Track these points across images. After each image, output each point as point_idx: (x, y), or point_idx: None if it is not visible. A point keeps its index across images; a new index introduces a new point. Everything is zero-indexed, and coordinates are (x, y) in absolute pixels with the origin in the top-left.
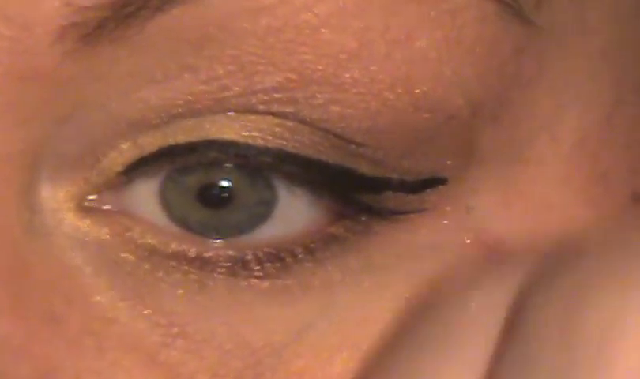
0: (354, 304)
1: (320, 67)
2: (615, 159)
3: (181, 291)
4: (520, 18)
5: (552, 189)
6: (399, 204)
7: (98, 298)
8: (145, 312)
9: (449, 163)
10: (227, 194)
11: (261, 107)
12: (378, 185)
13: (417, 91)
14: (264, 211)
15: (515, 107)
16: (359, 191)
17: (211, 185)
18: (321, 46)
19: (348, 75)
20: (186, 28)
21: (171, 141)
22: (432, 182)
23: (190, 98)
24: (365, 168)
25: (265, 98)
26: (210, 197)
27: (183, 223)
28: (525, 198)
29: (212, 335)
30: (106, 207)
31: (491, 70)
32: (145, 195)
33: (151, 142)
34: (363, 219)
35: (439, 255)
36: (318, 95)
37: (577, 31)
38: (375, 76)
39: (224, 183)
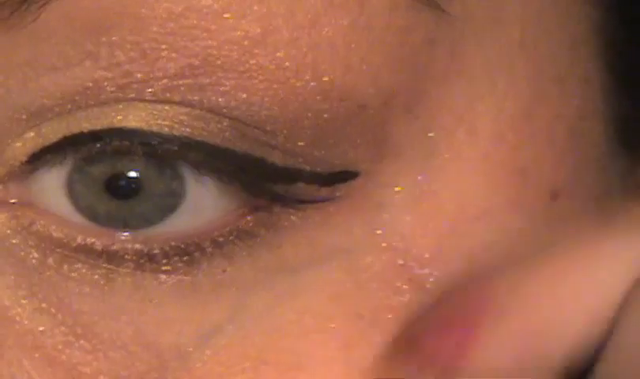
0: (265, 309)
1: (224, 53)
2: (535, 154)
3: (87, 289)
4: (432, 7)
5: (469, 186)
6: (310, 196)
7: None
8: (51, 310)
9: (361, 155)
10: (135, 185)
11: (166, 95)
12: (290, 175)
13: (325, 78)
14: (172, 202)
15: (430, 100)
16: (271, 181)
17: (118, 176)
18: (224, 32)
19: (253, 61)
20: (84, 13)
21: (75, 130)
22: (343, 175)
23: (91, 84)
24: (276, 157)
25: (169, 84)
26: (118, 188)
27: (90, 214)
28: (438, 197)
29: (118, 335)
30: (11, 200)
31: (402, 60)
32: (51, 186)
33: (55, 131)
34: (275, 210)
35: (351, 255)
36: (225, 82)
37: (494, 21)
38: (281, 62)
39: (132, 173)
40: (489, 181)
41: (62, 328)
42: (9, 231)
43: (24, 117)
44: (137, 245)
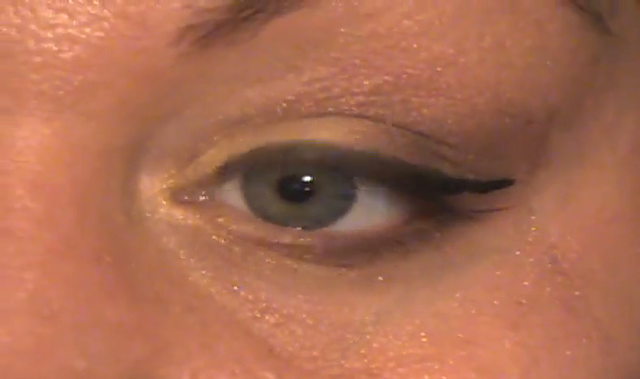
0: (429, 299)
1: (417, 72)
2: None
3: (267, 272)
4: (599, 28)
5: (606, 195)
6: (473, 203)
7: (193, 277)
8: (234, 288)
9: (519, 165)
10: (308, 188)
11: (357, 110)
12: (456, 185)
13: (503, 97)
14: (344, 205)
15: (584, 113)
16: (440, 190)
17: (292, 179)
18: (420, 53)
19: (442, 80)
20: (297, 32)
21: (268, 139)
22: (501, 184)
23: (292, 97)
24: (447, 169)
25: (363, 100)
26: (291, 191)
27: (264, 214)
28: (582, 201)
29: (296, 310)
30: (198, 197)
31: (569, 78)
32: (230, 186)
33: (247, 142)
34: (441, 217)
35: (506, 253)
36: (413, 99)
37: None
38: (468, 82)
39: (306, 178)
40: (624, 191)
41: (248, 305)
42: (195, 223)
43: (221, 123)
44: (318, 240)
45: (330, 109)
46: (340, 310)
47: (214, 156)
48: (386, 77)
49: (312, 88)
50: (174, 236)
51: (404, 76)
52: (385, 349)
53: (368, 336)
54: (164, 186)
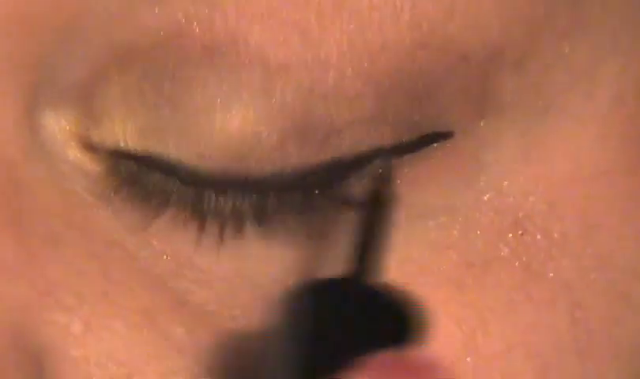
0: None
1: None
2: None
3: (182, 225)
4: None
5: (583, 149)
6: (398, 163)
7: (101, 225)
8: (152, 241)
9: (459, 114)
10: None
11: None
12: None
13: (424, 24)
14: None
15: (545, 55)
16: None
17: None
18: None
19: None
20: None
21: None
22: (435, 137)
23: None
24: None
25: None
26: None
27: None
28: (550, 155)
29: (219, 267)
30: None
31: (515, 11)
32: None
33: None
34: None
35: (455, 212)
36: None
37: None
38: (376, 2)
39: None
40: (606, 145)
41: (166, 258)
42: (108, 172)
43: (120, 52)
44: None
45: None
46: (266, 268)
47: (114, 80)
48: None
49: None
50: (81, 180)
51: None
52: None
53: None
54: (71, 126)
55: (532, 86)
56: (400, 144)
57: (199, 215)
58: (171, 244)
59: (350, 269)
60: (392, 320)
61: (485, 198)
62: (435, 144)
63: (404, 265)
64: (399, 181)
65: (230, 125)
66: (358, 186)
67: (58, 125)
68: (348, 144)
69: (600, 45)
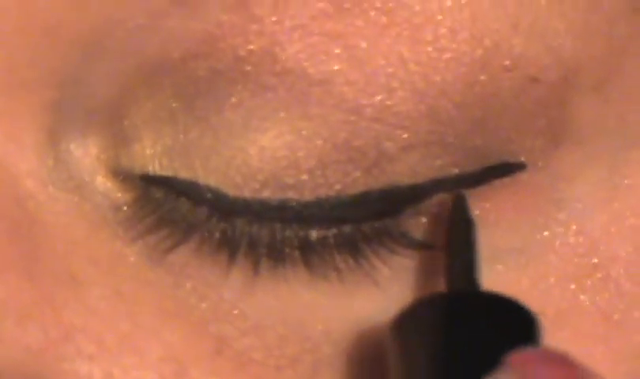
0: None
1: None
2: None
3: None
4: None
5: None
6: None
7: (131, 260)
8: (190, 282)
9: (531, 143)
10: None
11: None
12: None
13: (486, 41)
14: None
15: (629, 80)
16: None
17: None
18: None
19: (399, 11)
20: None
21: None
22: (504, 169)
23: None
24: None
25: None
26: None
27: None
28: (635, 194)
29: (266, 315)
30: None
31: (592, 28)
32: None
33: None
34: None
35: (523, 255)
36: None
37: None
38: (432, 15)
39: None
40: None
41: (207, 302)
42: (144, 203)
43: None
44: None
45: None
46: (316, 317)
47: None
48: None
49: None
50: (112, 212)
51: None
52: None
53: (345, 346)
54: (101, 153)
55: (616, 115)
56: (462, 175)
57: (231, 250)
58: (211, 284)
59: (457, 284)
60: (516, 322)
61: (561, 240)
62: (504, 178)
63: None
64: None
65: (265, 146)
66: (414, 224)
67: (85, 151)
68: (401, 173)
69: None
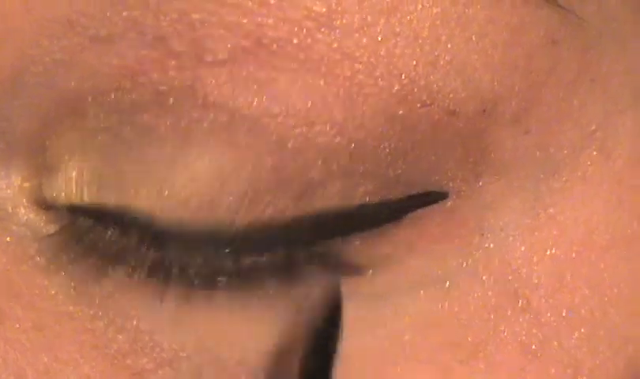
0: (345, 335)
1: (281, 35)
2: None
3: (145, 297)
4: (555, 5)
5: (596, 215)
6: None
7: (52, 292)
8: (109, 314)
9: (453, 173)
10: None
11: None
12: (346, 224)
13: (403, 76)
14: None
15: (550, 111)
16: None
17: None
18: (284, 9)
19: (315, 48)
20: None
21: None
22: (427, 197)
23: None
24: (332, 187)
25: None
26: None
27: None
28: (560, 221)
29: (181, 346)
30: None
31: (509, 62)
32: None
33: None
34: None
35: (446, 284)
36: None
37: (636, 25)
38: (349, 52)
39: None
40: (622, 210)
41: (125, 334)
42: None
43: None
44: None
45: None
46: (232, 347)
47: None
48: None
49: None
50: (33, 243)
51: (265, 39)
52: None
53: None
54: (24, 183)
55: (537, 144)
56: (387, 203)
57: (162, 278)
58: (130, 316)
59: None
60: None
61: (483, 269)
62: (429, 206)
63: (391, 344)
64: (393, 246)
65: (194, 174)
66: (344, 249)
67: (8, 182)
68: (329, 200)
69: (615, 98)
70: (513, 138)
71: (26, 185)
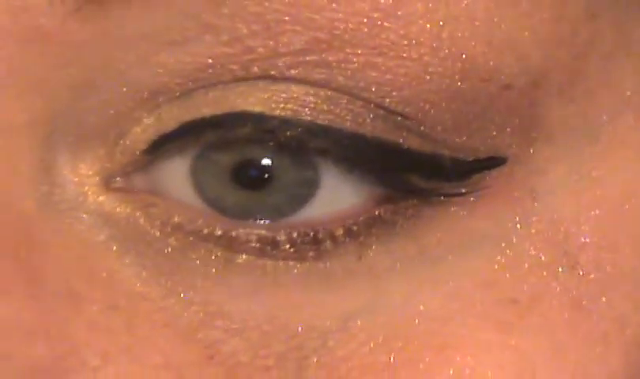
0: (404, 297)
1: (352, 26)
2: None
3: (213, 270)
4: None
5: (635, 176)
6: (455, 185)
7: (124, 274)
8: (178, 289)
9: (508, 140)
10: (266, 174)
11: (290, 72)
12: (429, 163)
13: (464, 56)
14: (306, 192)
15: (590, 80)
16: (408, 171)
17: (247, 164)
18: (353, 3)
19: (384, 36)
20: None
21: (195, 115)
22: (490, 162)
23: (211, 61)
24: (412, 143)
25: (294, 61)
26: (247, 178)
27: (218, 205)
28: (602, 184)
29: (250, 315)
30: (133, 185)
31: (556, 37)
32: (176, 175)
33: (174, 116)
34: (414, 202)
35: (500, 243)
36: (353, 59)
37: None
38: (414, 37)
39: (264, 162)
40: None
41: (194, 307)
42: (129, 214)
43: (144, 96)
44: (263, 232)
45: (258, 73)
46: (296, 315)
47: (140, 135)
48: (317, 34)
49: (234, 50)
50: (104, 228)
51: (337, 31)
52: (349, 357)
53: (331, 343)
54: (92, 171)
55: (580, 113)
56: (457, 162)
57: (229, 254)
58: (200, 291)
59: None
60: None
61: (535, 229)
62: (490, 170)
63: (448, 301)
64: (453, 208)
65: None
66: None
67: (78, 173)
68: None
69: None
70: (560, 108)
71: (96, 175)
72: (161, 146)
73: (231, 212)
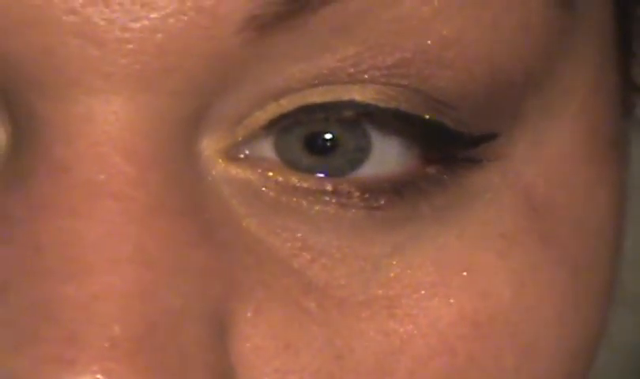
0: (435, 236)
1: (428, 49)
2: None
3: (302, 216)
4: (567, 5)
5: (565, 138)
6: (470, 153)
7: (245, 223)
8: (277, 231)
9: (503, 122)
10: (330, 143)
11: (382, 80)
12: (456, 137)
13: (495, 66)
14: (360, 156)
15: (551, 78)
16: (444, 141)
17: (317, 135)
18: (431, 34)
19: (447, 56)
20: (335, 17)
21: (309, 102)
22: (489, 137)
23: (326, 71)
24: (449, 123)
25: (386, 73)
26: (316, 145)
27: (294, 166)
28: (547, 146)
29: (326, 246)
30: (244, 153)
31: (542, 48)
32: (265, 143)
33: (292, 102)
34: (447, 164)
35: (492, 197)
36: (426, 72)
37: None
38: (468, 56)
39: (328, 135)
40: (575, 135)
41: (288, 244)
42: (250, 178)
43: (271, 92)
44: (341, 187)
45: (359, 80)
46: (362, 245)
47: (259, 116)
48: (405, 54)
49: (344, 64)
50: (229, 189)
51: (419, 53)
52: (400, 278)
53: (384, 267)
54: (218, 147)
55: (542, 99)
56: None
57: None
58: (292, 231)
59: None
60: None
61: (509, 183)
62: (486, 143)
63: (462, 239)
64: (466, 171)
65: None
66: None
67: (209, 147)
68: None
69: (577, 67)
70: (532, 97)
71: (219, 157)
72: (277, 124)
73: (305, 171)
